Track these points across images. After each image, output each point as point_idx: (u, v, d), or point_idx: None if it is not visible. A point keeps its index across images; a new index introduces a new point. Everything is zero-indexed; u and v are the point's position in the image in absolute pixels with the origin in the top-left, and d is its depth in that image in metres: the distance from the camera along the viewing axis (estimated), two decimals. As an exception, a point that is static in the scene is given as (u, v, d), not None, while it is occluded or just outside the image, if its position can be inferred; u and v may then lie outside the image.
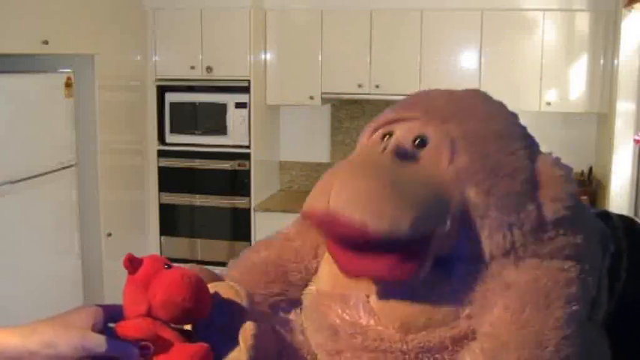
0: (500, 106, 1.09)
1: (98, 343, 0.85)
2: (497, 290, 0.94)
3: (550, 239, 0.97)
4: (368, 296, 1.01)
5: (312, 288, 1.14)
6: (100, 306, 0.91)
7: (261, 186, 4.67)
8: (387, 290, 0.99)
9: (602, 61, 4.27)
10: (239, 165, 4.51)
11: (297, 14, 4.64)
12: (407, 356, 0.96)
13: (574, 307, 0.92)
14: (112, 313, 0.91)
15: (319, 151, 5.02)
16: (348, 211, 0.87)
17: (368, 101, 4.57)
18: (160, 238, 4.68)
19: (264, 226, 4.45)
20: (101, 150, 3.88)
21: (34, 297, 3.16)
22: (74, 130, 3.53)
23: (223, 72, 4.48)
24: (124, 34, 4.28)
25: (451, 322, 0.96)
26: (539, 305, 0.92)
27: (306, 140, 5.04)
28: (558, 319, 0.91)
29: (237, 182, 4.53)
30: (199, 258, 4.52)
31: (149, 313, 0.90)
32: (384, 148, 1.01)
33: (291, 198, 4.84)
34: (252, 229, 4.49)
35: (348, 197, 0.89)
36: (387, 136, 1.04)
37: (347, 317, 1.01)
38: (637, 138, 3.89)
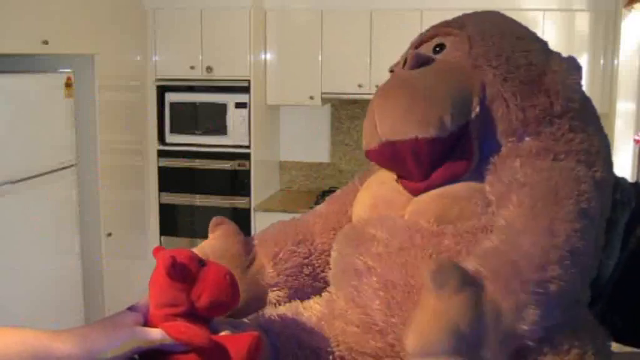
0: (521, 24, 1.20)
1: (158, 335, 0.87)
2: (514, 188, 0.99)
3: (564, 137, 1.04)
4: (403, 216, 1.07)
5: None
6: (132, 308, 0.92)
7: (261, 186, 4.67)
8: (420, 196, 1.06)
9: (602, 61, 4.27)
10: (239, 165, 4.51)
11: (297, 14, 4.64)
12: (440, 240, 1.02)
13: (583, 205, 0.97)
14: (146, 313, 0.92)
15: (319, 151, 5.02)
16: (398, 134, 0.99)
17: (368, 101, 4.55)
18: (160, 238, 4.68)
19: (264, 226, 4.38)
20: (101, 150, 3.88)
21: (34, 297, 3.16)
22: (74, 130, 3.53)
23: (223, 72, 4.48)
24: (124, 34, 4.27)
25: (480, 215, 1.02)
26: (549, 200, 0.97)
27: (306, 140, 5.03)
28: (569, 213, 0.95)
29: (237, 182, 4.53)
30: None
31: (187, 313, 0.91)
32: (404, 63, 1.12)
33: (291, 198, 4.84)
34: (252, 229, 4.49)
35: (392, 123, 1.00)
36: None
37: (371, 264, 1.05)
38: (637, 138, 3.89)
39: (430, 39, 1.15)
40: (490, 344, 0.86)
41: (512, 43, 1.09)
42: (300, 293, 1.22)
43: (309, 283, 1.23)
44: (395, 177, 1.12)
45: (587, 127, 1.07)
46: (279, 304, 1.17)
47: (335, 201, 1.31)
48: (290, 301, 1.18)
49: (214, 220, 1.27)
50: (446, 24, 1.17)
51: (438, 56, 1.10)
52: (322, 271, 1.23)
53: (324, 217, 1.27)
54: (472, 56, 1.06)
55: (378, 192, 1.14)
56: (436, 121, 0.99)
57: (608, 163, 1.10)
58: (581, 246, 0.93)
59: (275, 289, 1.19)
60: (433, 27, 1.21)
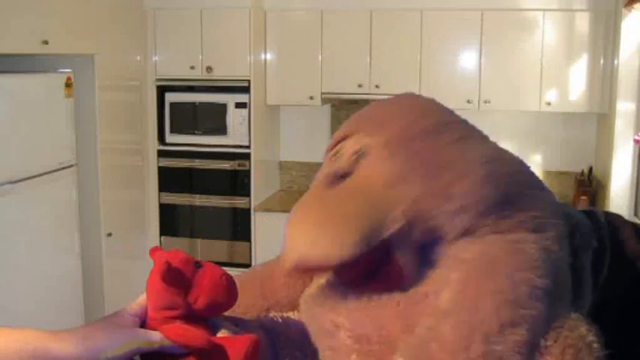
0: (429, 103, 1.12)
1: (158, 337, 0.88)
2: (455, 265, 0.96)
3: (508, 216, 0.99)
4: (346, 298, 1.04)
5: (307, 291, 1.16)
6: (129, 309, 0.92)
7: (261, 186, 4.67)
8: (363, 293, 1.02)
9: (602, 61, 4.27)
10: (239, 165, 4.51)
11: (297, 14, 4.64)
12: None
13: (521, 274, 0.93)
14: (143, 315, 0.92)
15: (319, 151, 4.94)
16: (310, 256, 0.94)
17: (368, 101, 4.54)
18: (160, 238, 4.68)
19: (264, 226, 4.45)
20: (101, 150, 3.88)
21: (34, 297, 3.16)
22: (74, 130, 3.53)
23: (223, 72, 4.48)
24: (124, 34, 4.28)
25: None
26: (481, 274, 0.94)
27: (306, 140, 5.04)
28: (501, 284, 0.92)
29: (237, 182, 4.53)
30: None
31: (185, 315, 0.91)
32: (332, 154, 1.08)
33: (291, 198, 4.84)
34: (252, 229, 4.49)
35: (303, 244, 0.95)
36: (337, 154, 1.09)
37: (339, 321, 1.03)
38: (637, 138, 3.89)
39: (348, 136, 1.09)
40: None
41: (424, 144, 1.02)
42: None
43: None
44: None
45: (526, 194, 1.02)
46: None
47: (266, 266, 1.28)
48: None
49: None
50: (357, 124, 1.09)
51: (356, 166, 1.03)
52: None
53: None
54: (387, 173, 0.99)
55: None
56: (342, 248, 0.92)
57: (558, 218, 1.04)
58: (514, 315, 0.89)
59: None
60: (351, 120, 1.13)
